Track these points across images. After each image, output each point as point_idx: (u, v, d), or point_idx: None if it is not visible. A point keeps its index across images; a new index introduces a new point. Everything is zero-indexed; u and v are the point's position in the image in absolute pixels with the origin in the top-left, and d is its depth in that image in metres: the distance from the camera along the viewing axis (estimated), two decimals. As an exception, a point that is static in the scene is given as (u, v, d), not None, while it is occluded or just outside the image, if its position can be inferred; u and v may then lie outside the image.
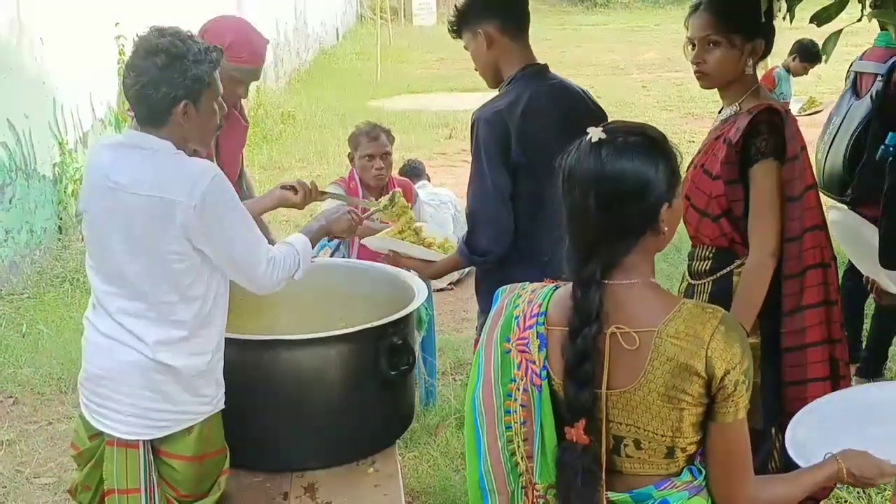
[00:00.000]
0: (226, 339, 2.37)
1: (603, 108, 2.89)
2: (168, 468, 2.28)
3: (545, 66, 2.79)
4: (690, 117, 11.33)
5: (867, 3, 1.64)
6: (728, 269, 2.52)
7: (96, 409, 2.28)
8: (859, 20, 1.96)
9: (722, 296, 2.47)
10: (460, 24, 2.76)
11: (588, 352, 1.54)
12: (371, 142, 4.05)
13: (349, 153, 4.20)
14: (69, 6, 6.66)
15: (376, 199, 4.21)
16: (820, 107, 6.94)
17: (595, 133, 1.59)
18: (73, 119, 6.80)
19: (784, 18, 2.23)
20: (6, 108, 5.84)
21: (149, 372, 2.22)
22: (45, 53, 6.31)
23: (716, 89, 2.55)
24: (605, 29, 19.23)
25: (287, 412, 2.62)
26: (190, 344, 2.24)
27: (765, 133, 2.36)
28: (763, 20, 2.27)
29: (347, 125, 11.38)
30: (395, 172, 5.49)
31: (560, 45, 17.14)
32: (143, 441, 2.24)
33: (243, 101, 3.34)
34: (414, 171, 6.40)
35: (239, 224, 2.25)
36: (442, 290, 5.81)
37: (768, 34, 2.46)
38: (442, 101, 12.27)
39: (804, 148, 2.44)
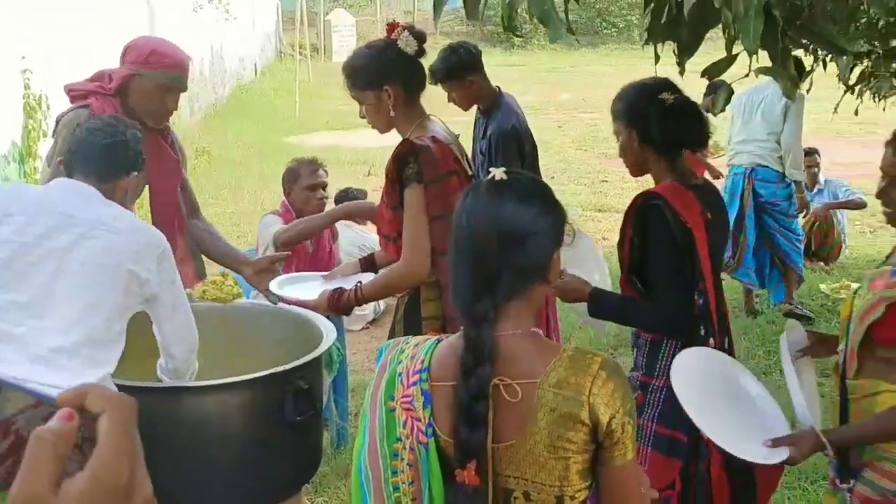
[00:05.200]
0: (126, 385, 2.30)
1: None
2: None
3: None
4: (604, 157, 11.58)
5: (754, 59, 1.72)
6: None
7: None
8: (746, 75, 2.04)
9: (413, 301, 2.82)
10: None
11: (482, 392, 1.54)
12: (312, 174, 4.18)
13: (285, 187, 4.22)
14: (-28, 38, 6.46)
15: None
16: (723, 151, 7.14)
17: (498, 173, 1.63)
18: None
19: (681, 73, 2.30)
20: None
21: None
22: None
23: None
24: (522, 70, 19.56)
25: (190, 460, 2.55)
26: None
27: (411, 162, 2.68)
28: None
29: (264, 161, 11.33)
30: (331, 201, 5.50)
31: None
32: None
33: (174, 132, 3.31)
34: (351, 199, 6.13)
35: None
36: (357, 330, 5.76)
37: (404, 76, 2.76)
38: (361, 138, 12.24)
39: (452, 173, 2.75)
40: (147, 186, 3.15)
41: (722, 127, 6.65)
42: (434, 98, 3.12)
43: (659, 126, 2.49)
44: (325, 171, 4.29)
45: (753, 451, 2.12)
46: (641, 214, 2.53)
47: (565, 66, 21.56)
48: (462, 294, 1.62)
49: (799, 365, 2.38)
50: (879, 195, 2.15)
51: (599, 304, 2.63)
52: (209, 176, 10.07)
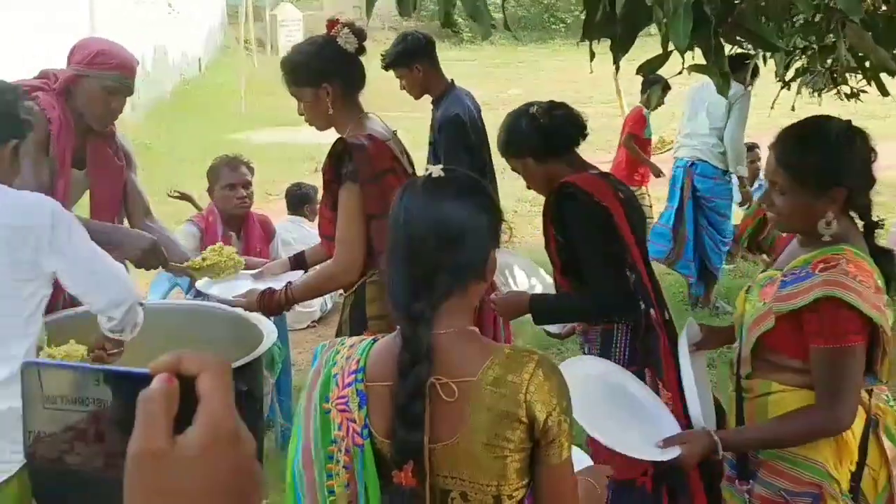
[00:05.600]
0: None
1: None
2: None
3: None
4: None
5: (689, 57, 1.73)
6: (362, 280, 2.77)
7: None
8: (680, 73, 2.06)
9: (358, 301, 2.80)
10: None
11: (419, 391, 1.52)
12: (232, 171, 4.06)
13: (208, 187, 4.13)
14: None
15: (236, 233, 4.15)
16: (670, 145, 7.22)
17: (435, 170, 1.62)
18: None
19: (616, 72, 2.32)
20: None
21: None
22: None
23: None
24: (471, 64, 19.57)
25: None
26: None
27: (346, 161, 2.67)
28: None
29: (208, 158, 11.06)
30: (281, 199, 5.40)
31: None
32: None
33: (120, 136, 3.24)
34: (301, 198, 6.08)
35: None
36: (301, 329, 5.71)
37: (343, 74, 2.75)
38: (309, 135, 12.09)
39: (389, 170, 2.73)
40: (88, 190, 3.13)
41: (667, 122, 6.73)
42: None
43: (544, 135, 2.58)
44: (250, 169, 4.14)
45: (649, 450, 2.12)
46: (557, 207, 2.57)
47: (514, 61, 21.63)
48: (398, 293, 1.61)
49: (695, 363, 2.39)
50: (765, 201, 2.16)
51: (540, 310, 2.66)
52: (151, 173, 9.87)
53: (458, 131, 4.27)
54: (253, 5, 18.42)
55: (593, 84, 12.96)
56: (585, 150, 2.80)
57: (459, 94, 4.49)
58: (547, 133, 2.63)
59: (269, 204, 8.49)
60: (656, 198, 8.17)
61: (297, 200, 6.07)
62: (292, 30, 21.64)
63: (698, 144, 5.83)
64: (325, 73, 2.74)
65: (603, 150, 8.24)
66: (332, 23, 2.81)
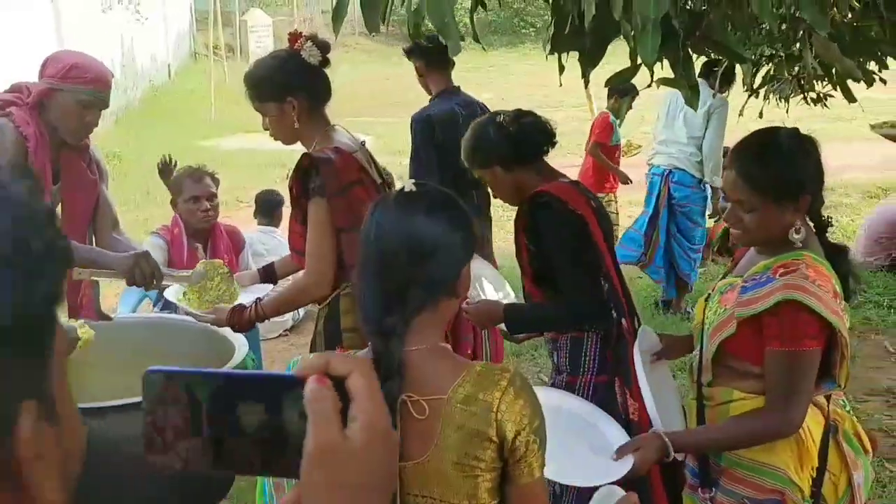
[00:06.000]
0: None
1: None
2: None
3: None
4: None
5: (657, 70, 1.74)
6: (336, 292, 2.74)
7: None
8: (649, 86, 2.07)
9: (332, 313, 2.77)
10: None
11: (391, 407, 1.51)
12: (195, 183, 3.96)
13: (171, 199, 4.07)
14: None
15: (203, 245, 4.10)
16: (639, 149, 7.27)
17: (408, 185, 1.61)
18: None
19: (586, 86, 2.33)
20: None
21: None
22: None
23: None
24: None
25: (98, 483, 2.45)
26: None
27: (313, 175, 2.64)
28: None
29: (178, 165, 11.01)
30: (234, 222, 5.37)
31: (400, 84, 17.34)
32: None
33: (93, 148, 3.20)
34: (272, 205, 6.06)
35: None
36: (274, 338, 5.67)
37: (308, 87, 2.73)
38: (278, 142, 12.11)
39: (356, 182, 2.70)
40: (60, 204, 3.09)
41: (636, 126, 6.76)
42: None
43: (513, 144, 2.57)
44: (215, 180, 4.04)
45: (598, 474, 2.05)
46: (531, 217, 2.56)
47: (484, 65, 21.67)
48: (369, 307, 1.60)
49: (655, 371, 2.39)
50: (727, 219, 2.16)
51: (514, 319, 2.65)
52: (120, 181, 9.78)
53: (423, 130, 4.40)
54: (222, 11, 18.29)
55: (564, 88, 13.01)
56: (556, 155, 2.80)
57: (448, 97, 4.56)
58: (515, 141, 2.62)
59: (239, 211, 8.44)
60: (628, 201, 8.23)
61: (267, 206, 6.03)
62: (262, 35, 21.55)
63: (675, 153, 5.85)
64: (289, 86, 2.72)
65: (574, 155, 8.28)
66: (294, 36, 2.79)
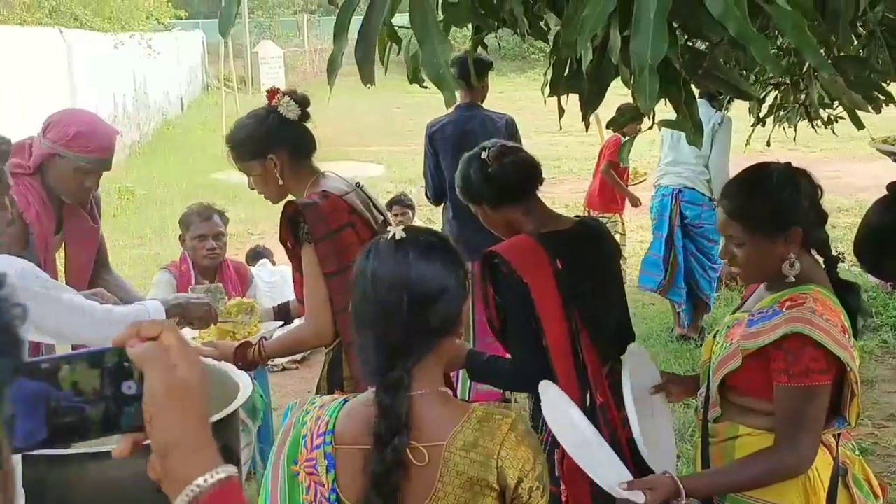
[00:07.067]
0: (22, 455, 2.16)
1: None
2: None
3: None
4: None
5: (657, 113, 1.72)
6: (338, 339, 2.68)
7: None
8: (650, 128, 2.05)
9: (335, 360, 2.71)
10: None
11: (398, 462, 1.49)
12: (203, 222, 3.96)
13: (180, 235, 4.08)
14: None
15: (210, 282, 4.10)
16: (644, 177, 7.25)
17: (397, 231, 1.59)
18: None
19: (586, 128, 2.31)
20: None
21: None
22: None
23: None
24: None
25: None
26: None
27: (300, 223, 2.63)
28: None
29: (191, 200, 10.99)
30: (243, 257, 5.38)
31: (409, 113, 17.43)
32: None
33: (94, 194, 3.22)
34: (258, 255, 6.47)
35: None
36: (284, 369, 5.66)
37: (288, 141, 2.71)
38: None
39: (347, 225, 2.66)
40: (64, 254, 3.13)
41: (646, 149, 6.74)
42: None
43: (495, 184, 2.49)
44: (223, 218, 4.03)
45: (617, 488, 2.04)
46: (490, 275, 2.49)
47: (494, 91, 21.76)
48: (371, 359, 1.57)
49: (655, 404, 2.35)
50: (723, 255, 2.15)
51: (473, 367, 2.55)
52: (133, 217, 9.84)
53: (426, 140, 4.79)
54: (234, 43, 18.49)
55: (573, 112, 13.01)
56: (568, 179, 2.75)
57: (459, 113, 4.72)
58: (496, 183, 2.52)
59: (250, 244, 8.46)
60: (638, 225, 8.19)
61: (253, 256, 6.46)
62: (273, 66, 21.75)
63: (684, 171, 5.81)
64: (269, 143, 2.72)
65: (586, 180, 8.26)
66: (272, 93, 2.81)
